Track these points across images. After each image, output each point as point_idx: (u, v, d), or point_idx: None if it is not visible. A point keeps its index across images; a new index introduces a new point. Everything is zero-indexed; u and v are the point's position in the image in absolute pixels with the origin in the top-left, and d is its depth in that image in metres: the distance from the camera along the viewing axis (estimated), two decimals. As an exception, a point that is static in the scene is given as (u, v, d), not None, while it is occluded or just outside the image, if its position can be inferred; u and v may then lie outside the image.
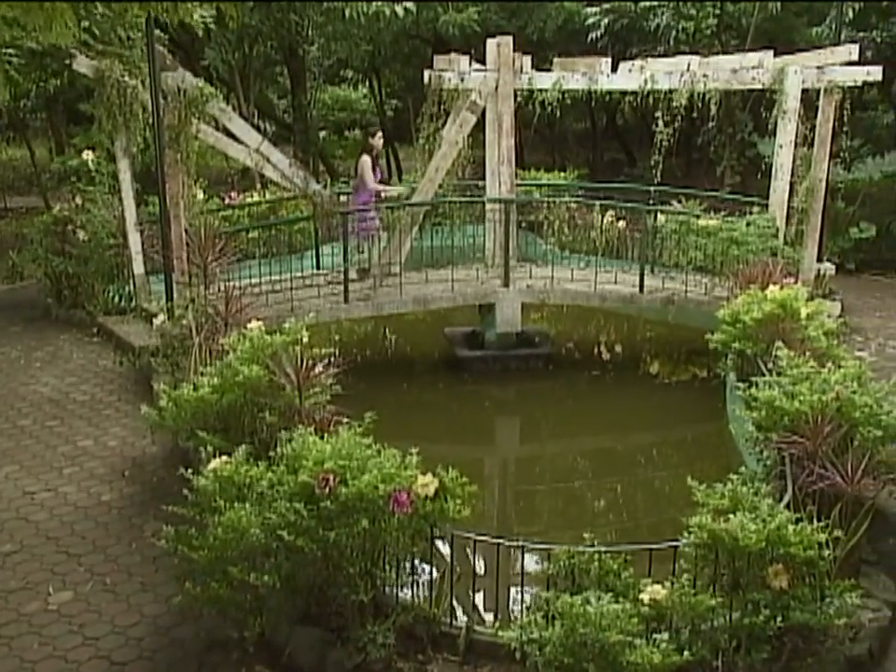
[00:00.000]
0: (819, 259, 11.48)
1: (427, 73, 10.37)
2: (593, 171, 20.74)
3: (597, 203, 11.42)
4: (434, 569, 5.13)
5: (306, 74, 21.30)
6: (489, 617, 5.35)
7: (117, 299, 10.99)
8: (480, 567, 5.40)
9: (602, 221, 11.78)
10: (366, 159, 10.79)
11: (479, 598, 5.60)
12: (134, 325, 10.22)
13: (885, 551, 5.75)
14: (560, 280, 10.53)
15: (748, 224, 10.17)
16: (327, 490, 4.60)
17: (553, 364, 10.97)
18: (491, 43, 10.01)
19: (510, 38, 9.95)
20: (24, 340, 10.53)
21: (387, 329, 12.93)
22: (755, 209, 10.63)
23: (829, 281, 11.60)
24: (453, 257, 10.69)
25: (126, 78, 9.80)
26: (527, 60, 9.99)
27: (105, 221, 11.28)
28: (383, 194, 11.10)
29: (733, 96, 15.00)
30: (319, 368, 6.22)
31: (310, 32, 18.95)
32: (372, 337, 12.81)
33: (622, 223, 11.91)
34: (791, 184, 10.65)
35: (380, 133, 11.15)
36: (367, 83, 26.53)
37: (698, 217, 10.74)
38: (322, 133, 25.34)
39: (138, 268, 10.64)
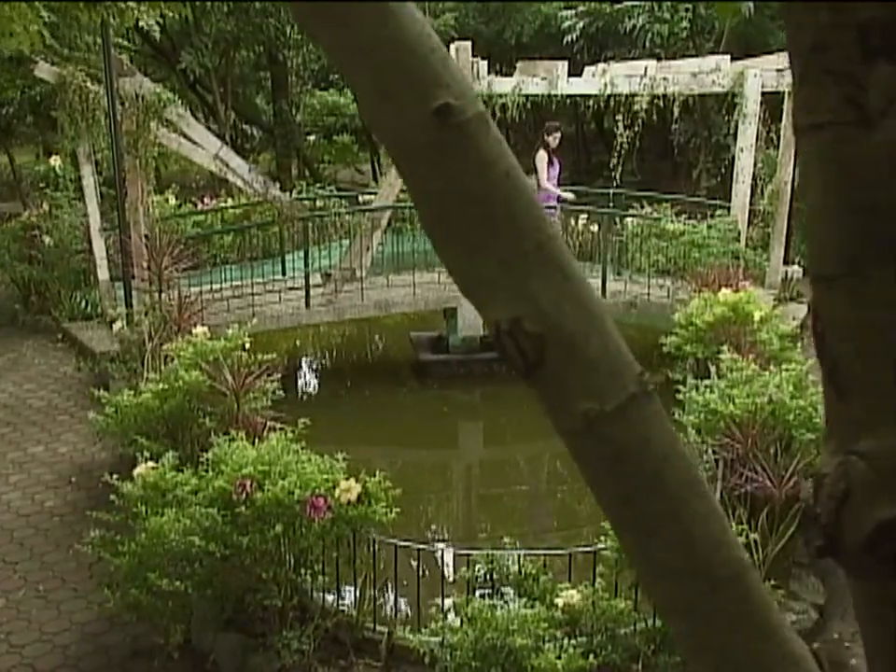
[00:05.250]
0: (788, 262, 11.46)
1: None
2: (578, 174, 20.69)
3: (558, 206, 11.40)
4: (358, 574, 5.12)
5: (288, 79, 21.29)
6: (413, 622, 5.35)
7: (83, 305, 10.97)
8: (409, 571, 5.39)
9: (577, 224, 11.76)
10: (542, 155, 10.44)
11: (404, 603, 5.60)
12: (98, 331, 10.21)
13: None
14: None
15: (709, 227, 10.17)
16: (244, 496, 4.61)
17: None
18: (451, 48, 10.01)
19: (468, 43, 9.93)
20: (-12, 346, 10.52)
21: (357, 334, 12.88)
22: (718, 212, 10.63)
23: (797, 284, 11.57)
24: (414, 261, 10.67)
25: (88, 84, 9.81)
26: (483, 64, 9.98)
27: (72, 227, 11.29)
28: (553, 196, 10.67)
29: (707, 99, 14.98)
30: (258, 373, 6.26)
31: (293, 37, 18.94)
32: (340, 342, 12.77)
33: (595, 227, 11.89)
34: (760, 187, 10.63)
35: (557, 133, 10.57)
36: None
37: (659, 220, 10.74)
38: (311, 138, 25.32)
39: (103, 274, 10.63)
